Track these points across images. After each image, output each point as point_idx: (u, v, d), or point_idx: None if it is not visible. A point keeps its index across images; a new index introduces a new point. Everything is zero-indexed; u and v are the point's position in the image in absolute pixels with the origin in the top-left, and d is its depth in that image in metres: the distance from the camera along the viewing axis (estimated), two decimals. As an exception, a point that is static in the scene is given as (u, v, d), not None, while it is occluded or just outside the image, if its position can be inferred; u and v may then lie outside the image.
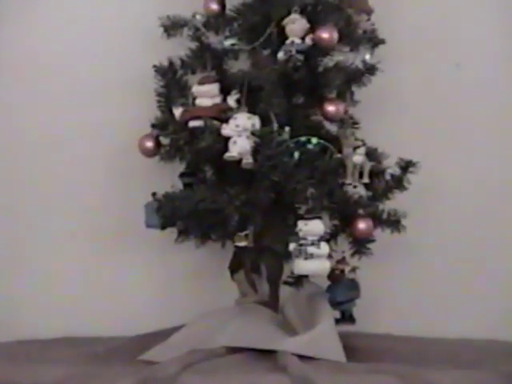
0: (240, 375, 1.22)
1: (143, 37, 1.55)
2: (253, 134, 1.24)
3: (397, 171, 1.38)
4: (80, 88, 1.63)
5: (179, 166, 1.42)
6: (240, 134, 1.23)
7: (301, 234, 1.24)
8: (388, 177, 1.38)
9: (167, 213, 1.29)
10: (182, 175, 1.37)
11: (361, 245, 1.35)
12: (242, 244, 1.31)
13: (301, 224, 1.23)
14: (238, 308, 1.39)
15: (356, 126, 1.40)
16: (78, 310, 1.60)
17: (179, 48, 1.42)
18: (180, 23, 1.39)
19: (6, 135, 1.81)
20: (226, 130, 1.23)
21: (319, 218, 1.25)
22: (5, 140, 1.81)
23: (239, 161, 1.24)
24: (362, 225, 1.30)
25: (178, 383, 1.16)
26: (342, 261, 1.36)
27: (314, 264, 1.25)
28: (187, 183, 1.36)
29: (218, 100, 1.27)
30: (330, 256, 1.28)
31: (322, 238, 1.25)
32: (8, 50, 1.80)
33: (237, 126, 1.23)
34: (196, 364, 1.24)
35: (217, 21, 1.28)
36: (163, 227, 1.34)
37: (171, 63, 1.36)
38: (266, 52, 1.34)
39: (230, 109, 1.27)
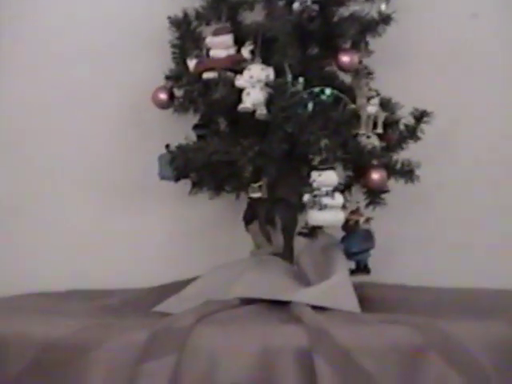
0: (255, 326, 1.25)
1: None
2: (267, 85, 1.24)
3: (411, 121, 1.38)
4: (93, 41, 1.64)
5: (193, 118, 1.42)
6: (254, 85, 1.23)
7: (314, 185, 1.25)
8: (402, 127, 1.38)
9: (180, 165, 1.31)
10: (195, 127, 1.38)
11: (375, 195, 1.37)
12: (256, 195, 1.32)
13: (314, 175, 1.24)
14: (252, 259, 1.41)
15: (370, 76, 1.40)
16: (91, 263, 1.63)
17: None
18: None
19: (21, 89, 1.80)
20: (240, 81, 1.24)
21: (333, 168, 1.25)
22: (19, 95, 1.81)
23: (253, 112, 1.24)
24: (375, 175, 1.31)
25: (193, 334, 1.19)
26: (357, 211, 1.37)
27: (329, 215, 1.27)
28: (201, 135, 1.37)
29: (232, 51, 1.28)
30: (344, 207, 1.29)
31: (336, 189, 1.26)
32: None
33: (251, 77, 1.24)
34: (211, 315, 1.26)
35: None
36: (177, 179, 1.37)
37: (186, 14, 1.36)
38: (281, 3, 1.33)
39: (245, 60, 1.27)
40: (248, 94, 1.23)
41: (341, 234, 1.43)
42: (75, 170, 1.70)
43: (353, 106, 1.33)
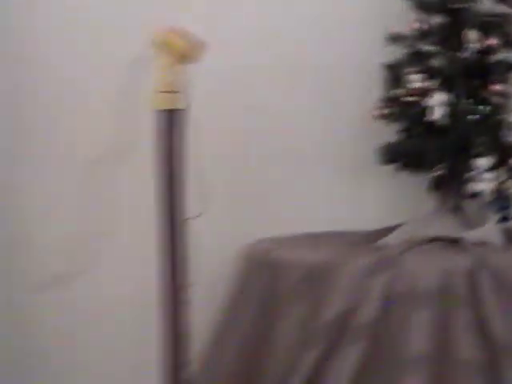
0: (439, 253, 2.09)
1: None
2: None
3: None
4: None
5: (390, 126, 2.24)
6: (439, 104, 2.05)
7: (476, 166, 2.08)
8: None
9: (391, 154, 2.15)
10: (400, 131, 2.19)
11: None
12: (437, 174, 2.17)
13: (476, 160, 2.06)
14: (436, 214, 2.26)
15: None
16: (345, 214, 2.49)
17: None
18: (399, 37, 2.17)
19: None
20: (431, 101, 2.05)
21: (487, 156, 2.06)
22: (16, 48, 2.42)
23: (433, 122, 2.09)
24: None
25: (403, 259, 2.04)
26: (503, 182, 2.14)
27: (484, 185, 2.07)
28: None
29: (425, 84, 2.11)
30: (493, 180, 2.09)
31: (488, 169, 2.06)
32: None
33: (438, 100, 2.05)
34: (414, 247, 2.12)
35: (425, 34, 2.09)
36: (387, 163, 2.20)
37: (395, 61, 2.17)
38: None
39: (433, 89, 2.10)
40: (435, 109, 2.05)
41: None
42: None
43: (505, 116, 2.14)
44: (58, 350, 2.49)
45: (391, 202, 2.62)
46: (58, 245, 2.41)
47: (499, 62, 2.12)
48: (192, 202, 1.95)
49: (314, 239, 2.47)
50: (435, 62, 2.16)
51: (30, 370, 2.43)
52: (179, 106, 1.87)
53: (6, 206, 2.33)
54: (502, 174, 2.21)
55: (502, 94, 2.14)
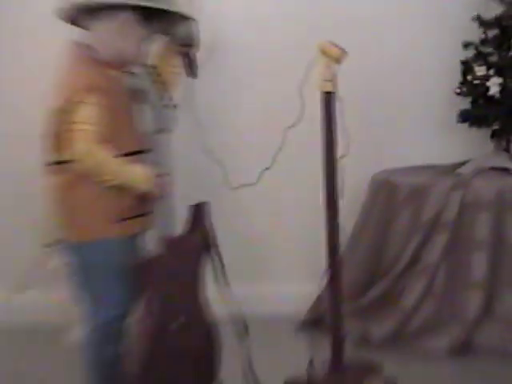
0: (495, 177, 3.14)
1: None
2: None
3: None
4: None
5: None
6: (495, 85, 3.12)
7: None
8: None
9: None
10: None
11: None
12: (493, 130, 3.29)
13: None
14: (494, 152, 3.37)
15: None
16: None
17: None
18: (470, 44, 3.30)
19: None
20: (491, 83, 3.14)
21: None
22: None
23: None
24: None
25: (472, 181, 3.08)
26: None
27: None
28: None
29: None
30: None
31: None
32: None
33: (494, 82, 3.14)
34: (479, 173, 3.18)
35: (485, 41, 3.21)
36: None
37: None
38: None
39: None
40: (492, 88, 3.13)
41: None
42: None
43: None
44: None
45: (465, 146, 3.67)
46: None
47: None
48: (341, 148, 2.59)
49: (416, 170, 3.53)
50: (493, 59, 3.24)
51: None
52: (333, 90, 2.54)
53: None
54: None
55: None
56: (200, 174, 3.37)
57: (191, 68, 2.73)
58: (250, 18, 3.62)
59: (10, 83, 3.62)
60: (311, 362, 2.73)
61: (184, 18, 2.69)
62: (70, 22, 2.62)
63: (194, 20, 2.71)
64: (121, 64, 2.58)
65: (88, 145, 2.41)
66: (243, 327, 2.71)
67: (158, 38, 2.66)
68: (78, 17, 2.57)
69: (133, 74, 2.60)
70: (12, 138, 3.56)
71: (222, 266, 2.69)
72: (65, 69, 2.48)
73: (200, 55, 2.73)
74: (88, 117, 2.39)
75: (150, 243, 2.63)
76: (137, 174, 2.51)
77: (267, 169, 2.70)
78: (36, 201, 2.85)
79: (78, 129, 2.39)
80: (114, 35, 2.51)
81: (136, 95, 2.57)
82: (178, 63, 2.73)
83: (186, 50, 2.72)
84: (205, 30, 2.85)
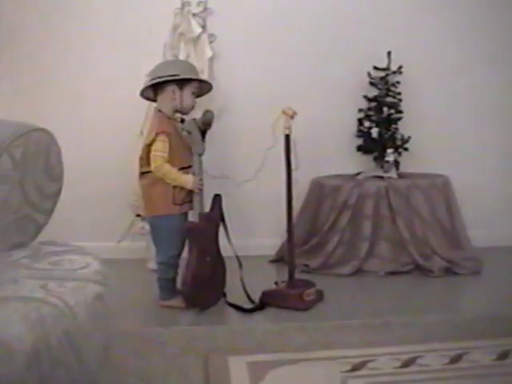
0: (374, 180, 4.32)
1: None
2: None
3: None
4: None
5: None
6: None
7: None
8: None
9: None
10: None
11: None
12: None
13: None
14: (375, 167, 4.80)
15: None
16: None
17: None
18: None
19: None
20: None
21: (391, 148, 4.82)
22: None
23: None
24: None
25: (362, 182, 4.24)
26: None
27: (390, 158, 4.59)
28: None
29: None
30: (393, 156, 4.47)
31: (391, 153, 4.43)
32: None
33: None
34: (367, 177, 4.30)
35: None
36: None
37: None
38: None
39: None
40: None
41: None
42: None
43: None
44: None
45: (360, 164, 4.62)
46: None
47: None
48: (294, 164, 3.31)
49: (334, 176, 4.43)
50: (373, 118, 4.48)
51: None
52: (289, 133, 3.26)
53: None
54: (395, 155, 4.27)
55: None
56: (215, 180, 4.12)
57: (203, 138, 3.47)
58: (243, 86, 4.55)
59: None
60: (276, 282, 3.58)
61: (206, 82, 3.53)
62: (146, 98, 3.51)
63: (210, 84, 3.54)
64: (174, 115, 3.35)
65: (162, 163, 3.30)
66: (239, 262, 3.48)
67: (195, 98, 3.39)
68: (149, 93, 3.43)
69: (183, 121, 3.45)
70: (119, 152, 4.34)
71: (227, 228, 3.52)
72: (151, 123, 3.37)
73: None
74: (161, 148, 3.28)
75: (192, 217, 3.42)
76: (186, 179, 3.33)
77: (258, 171, 3.70)
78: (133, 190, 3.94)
79: (156, 155, 3.29)
80: (167, 100, 3.36)
81: (186, 135, 3.39)
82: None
83: (205, 128, 3.48)
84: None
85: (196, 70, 3.46)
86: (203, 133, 3.44)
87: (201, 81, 3.47)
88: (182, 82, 3.35)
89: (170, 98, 3.39)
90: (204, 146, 3.45)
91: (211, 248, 3.44)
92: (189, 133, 3.36)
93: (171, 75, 3.30)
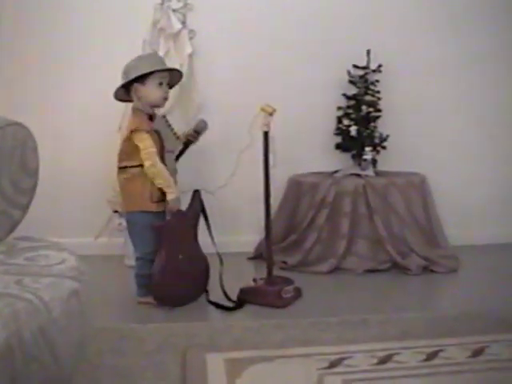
0: (351, 178, 4.33)
1: None
2: None
3: None
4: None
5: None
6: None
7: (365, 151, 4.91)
8: None
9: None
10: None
11: None
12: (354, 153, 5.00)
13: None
14: (352, 165, 4.88)
15: None
16: None
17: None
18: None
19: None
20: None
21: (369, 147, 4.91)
22: None
23: None
24: None
25: (341, 179, 4.22)
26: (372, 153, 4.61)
27: (368, 156, 4.83)
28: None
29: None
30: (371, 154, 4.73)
31: (369, 151, 4.65)
32: None
33: None
34: (345, 175, 4.41)
35: None
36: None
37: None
38: None
39: None
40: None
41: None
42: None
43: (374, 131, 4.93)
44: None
45: (339, 162, 4.63)
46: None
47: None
48: (272, 162, 3.30)
49: (312, 174, 4.43)
50: (352, 116, 4.61)
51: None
52: (268, 130, 3.23)
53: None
54: (373, 153, 4.32)
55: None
56: (194, 177, 4.27)
57: (187, 146, 3.61)
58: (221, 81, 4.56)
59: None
60: (255, 279, 3.60)
61: (178, 72, 3.54)
62: (123, 100, 3.55)
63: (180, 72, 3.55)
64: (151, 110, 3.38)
65: (157, 161, 3.34)
66: (219, 258, 3.50)
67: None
68: (124, 96, 3.45)
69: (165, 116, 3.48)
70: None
71: (209, 223, 3.55)
72: (129, 119, 3.43)
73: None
74: (150, 144, 3.30)
75: (167, 215, 3.41)
76: (173, 192, 3.41)
77: (233, 175, 3.67)
78: (111, 185, 3.96)
79: (150, 151, 3.30)
80: (135, 98, 3.42)
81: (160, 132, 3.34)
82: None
83: (195, 136, 3.64)
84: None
85: (159, 60, 3.47)
86: (186, 145, 3.59)
87: (166, 70, 3.46)
88: (142, 78, 3.37)
89: (137, 96, 3.45)
90: (176, 144, 3.59)
91: (185, 245, 3.45)
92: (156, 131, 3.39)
93: (128, 79, 3.39)
